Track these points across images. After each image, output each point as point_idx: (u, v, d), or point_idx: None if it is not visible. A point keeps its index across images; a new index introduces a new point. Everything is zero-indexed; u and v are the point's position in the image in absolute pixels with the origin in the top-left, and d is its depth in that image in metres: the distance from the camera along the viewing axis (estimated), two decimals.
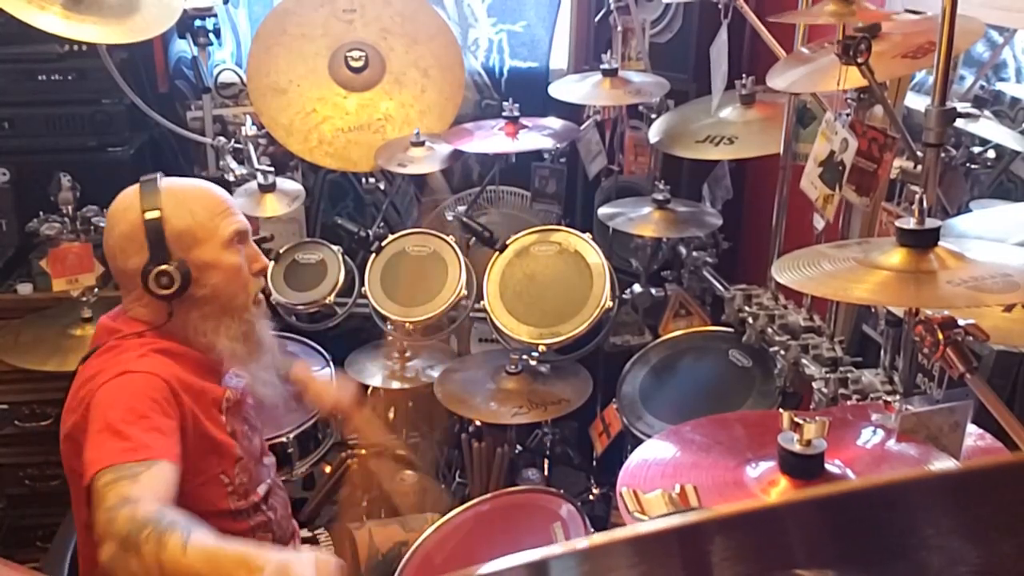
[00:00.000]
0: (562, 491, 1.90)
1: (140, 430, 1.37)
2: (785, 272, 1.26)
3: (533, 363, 2.30)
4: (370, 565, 1.92)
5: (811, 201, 1.79)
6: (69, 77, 2.62)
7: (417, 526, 2.01)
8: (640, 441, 1.79)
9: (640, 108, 2.58)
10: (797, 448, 1.22)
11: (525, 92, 2.82)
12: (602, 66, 2.43)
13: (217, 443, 1.55)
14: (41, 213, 2.33)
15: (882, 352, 1.68)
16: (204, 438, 1.52)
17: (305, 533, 1.90)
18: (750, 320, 2.01)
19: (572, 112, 2.68)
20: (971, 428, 1.36)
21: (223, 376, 1.65)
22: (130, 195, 1.56)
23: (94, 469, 1.32)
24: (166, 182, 1.58)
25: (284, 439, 2.06)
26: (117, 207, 1.57)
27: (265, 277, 1.71)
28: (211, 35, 2.73)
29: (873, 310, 1.84)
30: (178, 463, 1.38)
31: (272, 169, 2.46)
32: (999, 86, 1.89)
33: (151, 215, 1.52)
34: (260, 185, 2.41)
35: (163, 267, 1.51)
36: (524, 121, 2.51)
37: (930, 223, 1.21)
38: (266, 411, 1.80)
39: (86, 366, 1.55)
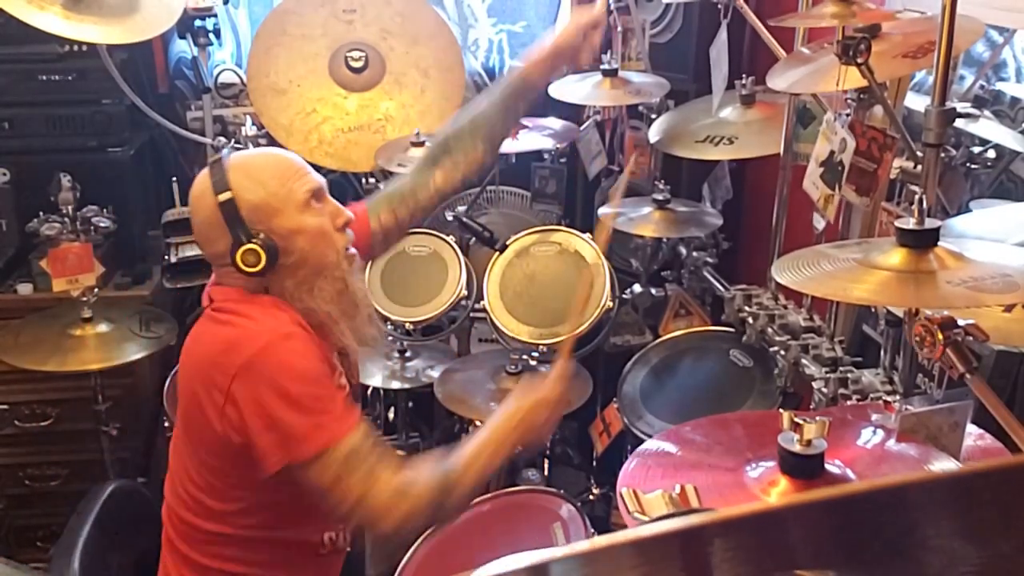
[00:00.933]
0: (562, 491, 1.90)
1: (334, 399, 1.47)
2: (785, 272, 1.26)
3: (533, 363, 2.30)
4: (375, 543, 1.92)
5: (811, 201, 1.79)
6: (69, 77, 2.62)
7: None
8: (640, 441, 1.79)
9: (640, 108, 2.58)
10: (797, 448, 1.22)
11: None
12: (602, 66, 2.43)
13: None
14: (41, 213, 2.33)
15: (882, 352, 1.68)
16: None
17: None
18: (750, 320, 2.01)
19: (572, 112, 2.68)
20: (971, 428, 1.37)
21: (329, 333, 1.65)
22: (202, 179, 1.56)
23: (290, 459, 1.42)
24: (233, 158, 1.58)
25: None
26: (193, 194, 1.57)
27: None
28: (211, 35, 2.73)
29: (873, 310, 1.84)
30: (353, 429, 1.47)
31: None
32: (999, 86, 1.89)
33: (224, 196, 1.51)
34: None
35: (247, 246, 1.50)
36: (524, 121, 2.51)
37: (930, 223, 1.21)
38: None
39: (206, 325, 1.56)
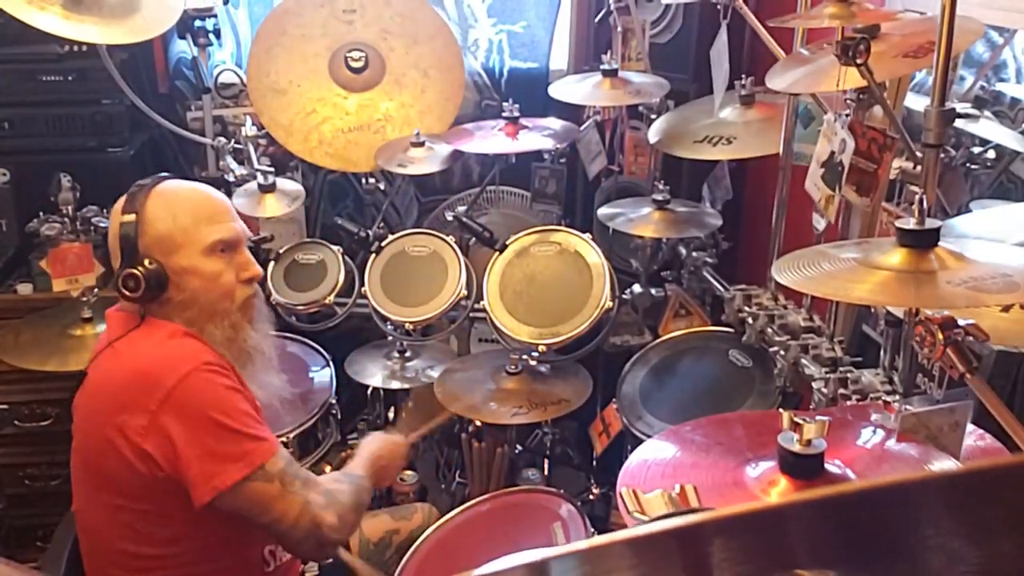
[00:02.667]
0: (562, 491, 1.90)
1: (242, 435, 1.47)
2: (785, 272, 1.26)
3: (533, 363, 2.30)
4: (362, 555, 1.93)
5: (811, 201, 1.79)
6: (69, 77, 2.62)
7: (407, 515, 2.02)
8: (640, 441, 1.79)
9: (640, 108, 2.58)
10: (797, 448, 1.22)
11: (525, 92, 2.83)
12: (602, 66, 2.43)
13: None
14: (41, 213, 2.33)
15: (882, 352, 1.68)
16: None
17: None
18: (750, 320, 2.01)
19: (572, 112, 2.68)
20: (971, 428, 1.37)
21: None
22: (119, 200, 1.58)
23: (220, 484, 1.43)
24: (162, 185, 1.58)
25: (284, 439, 2.06)
26: (113, 211, 1.59)
27: (262, 283, 1.70)
28: (211, 35, 2.73)
29: (873, 310, 1.84)
30: (274, 447, 1.51)
31: (272, 169, 2.46)
32: (999, 86, 1.89)
33: (126, 219, 1.53)
34: (260, 185, 2.41)
35: (129, 270, 1.51)
36: (524, 121, 2.51)
37: (930, 223, 1.21)
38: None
39: (110, 363, 1.53)
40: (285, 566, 1.68)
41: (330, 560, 1.86)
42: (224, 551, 1.55)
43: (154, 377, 1.45)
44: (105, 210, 2.40)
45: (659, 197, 2.33)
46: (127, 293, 1.51)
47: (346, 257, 2.46)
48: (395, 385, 2.48)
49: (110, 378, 1.51)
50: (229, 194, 2.47)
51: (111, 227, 1.57)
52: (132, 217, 1.53)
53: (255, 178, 2.44)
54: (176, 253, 1.54)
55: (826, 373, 1.75)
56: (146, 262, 1.51)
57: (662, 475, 1.33)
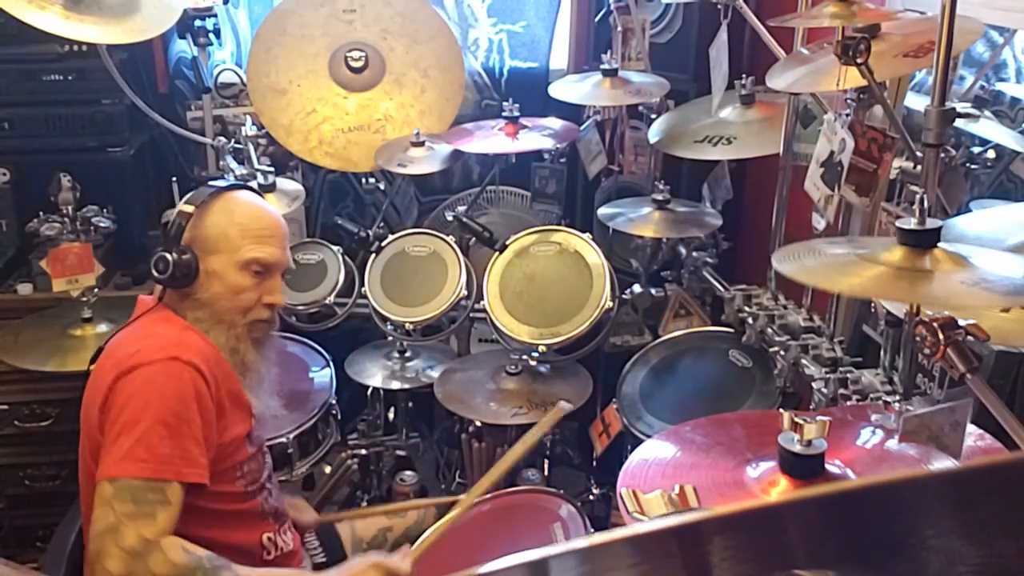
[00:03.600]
0: (562, 491, 1.90)
1: (178, 439, 1.44)
2: (785, 262, 1.26)
3: (533, 363, 2.30)
4: (355, 555, 1.92)
5: (811, 201, 1.79)
6: (69, 77, 2.62)
7: (400, 513, 2.02)
8: (640, 441, 1.79)
9: (640, 108, 2.58)
10: (797, 448, 1.23)
11: (525, 92, 2.82)
12: (602, 66, 2.43)
13: (238, 438, 1.60)
14: (41, 213, 2.33)
15: (882, 352, 1.68)
16: (229, 434, 1.57)
17: None
18: (750, 320, 2.01)
19: (572, 112, 2.68)
20: (971, 428, 1.36)
21: None
22: (197, 190, 1.67)
23: (117, 470, 1.41)
24: (235, 193, 1.66)
25: (284, 439, 2.06)
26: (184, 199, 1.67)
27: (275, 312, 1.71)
28: (211, 35, 2.73)
29: (873, 310, 1.84)
30: (198, 479, 1.46)
31: (272, 169, 2.46)
32: (999, 86, 1.89)
33: (186, 208, 1.61)
34: (260, 185, 2.41)
35: (164, 252, 1.58)
36: (524, 121, 2.51)
37: (930, 223, 1.21)
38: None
39: (123, 333, 1.61)
40: (285, 556, 1.70)
41: (325, 559, 1.86)
42: (219, 536, 1.55)
43: (133, 354, 1.49)
44: (105, 210, 2.40)
45: (659, 197, 2.33)
46: (155, 273, 1.58)
47: (346, 257, 2.46)
48: (395, 385, 2.48)
49: (108, 356, 1.56)
50: None
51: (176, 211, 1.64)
52: (191, 208, 1.61)
53: (255, 178, 2.44)
54: (213, 255, 1.61)
55: (826, 373, 1.75)
56: (183, 252, 1.58)
57: (662, 475, 1.33)
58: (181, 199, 1.66)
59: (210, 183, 1.68)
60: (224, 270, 1.60)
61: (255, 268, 1.62)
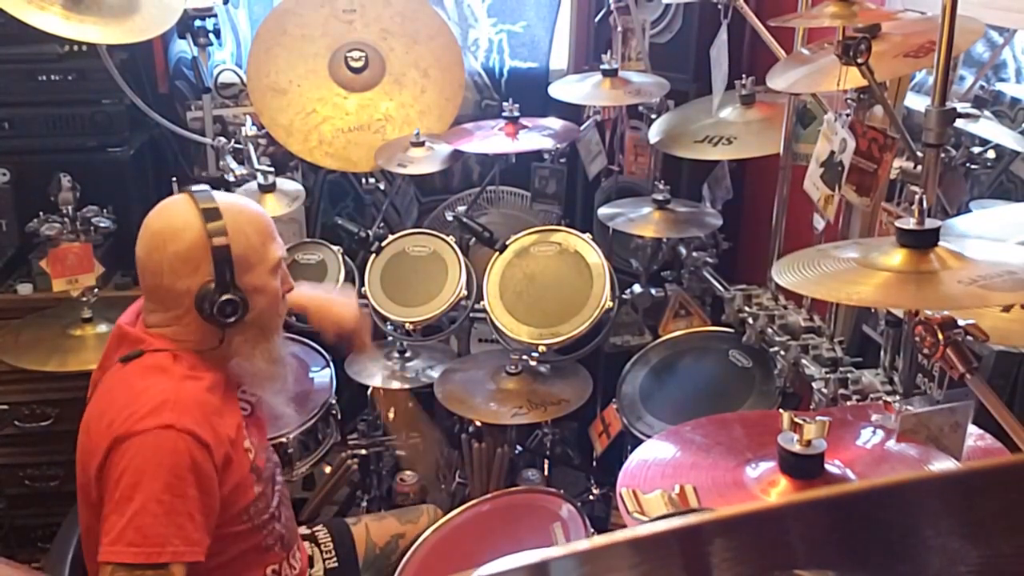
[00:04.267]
0: (562, 491, 1.90)
1: (172, 518, 1.35)
2: (785, 274, 1.26)
3: (533, 363, 2.30)
4: (368, 559, 1.93)
5: (811, 201, 1.79)
6: (69, 77, 2.61)
7: (413, 518, 2.02)
8: (640, 441, 1.79)
9: (640, 108, 2.58)
10: (797, 448, 1.22)
11: (525, 92, 2.82)
12: (602, 66, 2.43)
13: (243, 479, 1.52)
14: (41, 213, 2.33)
15: (882, 352, 1.68)
16: (231, 483, 1.49)
17: (303, 531, 1.91)
18: (750, 320, 2.01)
19: (572, 112, 2.68)
20: (971, 428, 1.36)
21: (237, 391, 1.63)
22: (184, 210, 1.50)
23: (112, 556, 1.33)
24: (221, 199, 1.53)
25: (284, 439, 2.06)
26: (172, 223, 1.50)
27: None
28: (211, 35, 2.73)
29: (873, 310, 1.84)
30: (194, 557, 1.37)
31: (272, 169, 2.46)
32: (999, 86, 1.89)
33: (220, 240, 1.48)
34: (260, 185, 2.41)
35: (230, 296, 1.48)
36: (524, 121, 2.51)
37: (930, 223, 1.21)
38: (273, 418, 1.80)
39: (118, 378, 1.49)
40: None
41: (336, 565, 1.86)
42: (225, 574, 1.52)
43: (127, 417, 1.39)
44: (105, 210, 2.40)
45: (659, 197, 2.33)
46: (223, 319, 1.49)
47: (346, 257, 2.46)
48: (395, 385, 2.48)
49: (103, 405, 1.47)
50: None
51: (177, 245, 1.48)
52: (224, 240, 1.48)
53: (255, 178, 2.44)
54: (249, 273, 1.52)
55: (826, 373, 1.75)
56: (237, 286, 1.49)
57: (662, 475, 1.33)
58: (160, 219, 1.51)
59: (195, 196, 1.52)
60: (263, 282, 1.54)
61: (280, 266, 1.59)
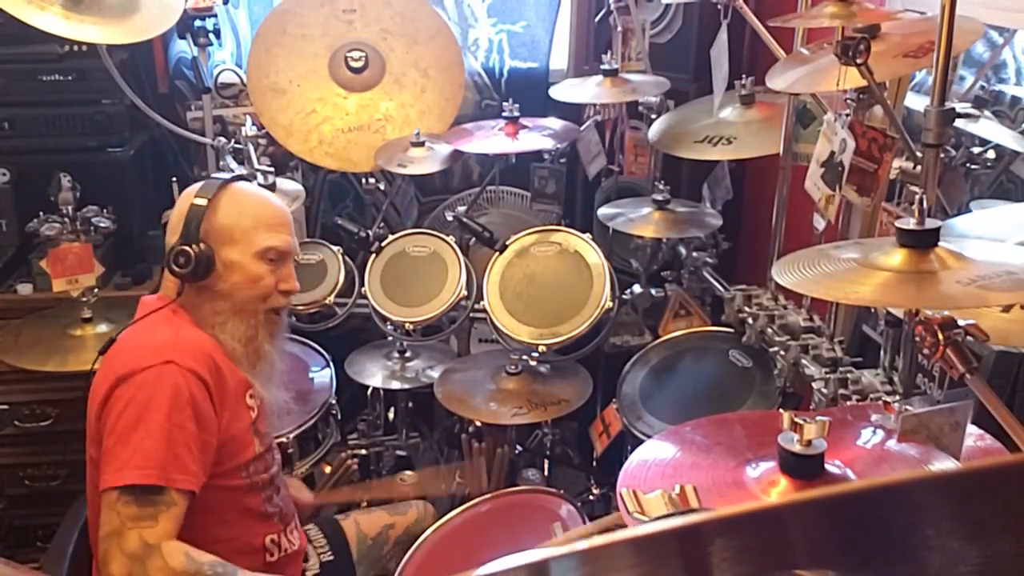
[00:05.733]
0: (562, 491, 1.90)
1: (171, 446, 1.43)
2: (785, 274, 1.26)
3: (533, 363, 2.30)
4: (361, 551, 1.93)
5: (811, 201, 1.79)
6: (69, 77, 2.61)
7: (402, 510, 2.02)
8: (640, 441, 1.79)
9: (640, 108, 2.58)
10: (797, 448, 1.22)
11: (525, 92, 2.82)
12: (602, 66, 2.43)
13: (242, 434, 1.61)
14: (41, 213, 2.33)
15: (882, 352, 1.68)
16: (230, 432, 1.57)
17: None
18: (750, 320, 2.01)
19: (572, 112, 2.68)
20: (971, 428, 1.36)
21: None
22: (195, 185, 1.67)
23: (118, 480, 1.41)
24: (239, 184, 1.69)
25: (284, 439, 2.06)
26: (185, 193, 1.67)
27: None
28: (211, 35, 2.72)
29: (873, 310, 1.84)
30: (185, 485, 1.45)
31: (272, 169, 2.45)
32: (999, 86, 1.89)
33: (199, 201, 1.62)
34: (260, 185, 2.40)
35: (183, 246, 1.58)
36: (524, 121, 2.51)
37: (930, 223, 1.21)
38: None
39: (125, 335, 1.60)
40: (289, 557, 1.70)
41: (332, 558, 1.87)
42: (222, 536, 1.56)
43: (129, 359, 1.50)
44: (105, 210, 2.40)
45: (659, 197, 2.33)
46: (175, 267, 1.58)
47: (346, 257, 2.46)
48: (395, 385, 2.48)
49: (108, 360, 1.56)
50: None
51: (179, 206, 1.64)
52: (204, 202, 1.62)
53: (255, 178, 2.43)
54: (229, 246, 1.62)
55: (826, 373, 1.75)
56: (201, 245, 1.58)
57: (662, 475, 1.33)
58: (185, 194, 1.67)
59: (214, 176, 1.71)
60: (242, 260, 1.62)
61: (270, 256, 1.64)
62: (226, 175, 1.71)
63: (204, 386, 1.51)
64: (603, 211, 2.41)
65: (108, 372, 1.51)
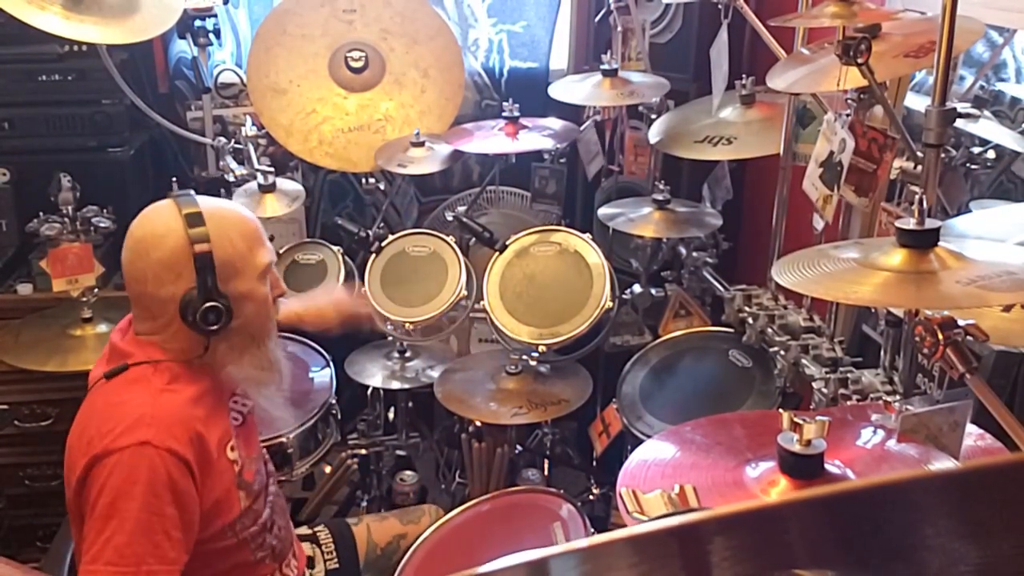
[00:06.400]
0: (562, 491, 1.90)
1: (149, 535, 1.34)
2: (785, 274, 1.26)
3: (533, 363, 2.30)
4: (368, 559, 1.93)
5: (811, 201, 1.79)
6: (69, 77, 2.61)
7: (414, 518, 2.02)
8: (640, 441, 1.79)
9: (640, 108, 2.58)
10: (797, 448, 1.22)
11: (525, 92, 2.82)
12: (602, 66, 2.43)
13: (225, 494, 1.51)
14: (41, 213, 2.32)
15: (882, 352, 1.68)
16: (212, 497, 1.47)
17: (304, 531, 1.91)
18: (750, 320, 2.01)
19: (572, 112, 2.68)
20: (971, 428, 1.37)
21: (228, 400, 1.60)
22: (167, 217, 1.48)
23: (92, 573, 1.32)
24: (205, 204, 1.50)
25: (284, 439, 2.06)
26: (154, 230, 1.48)
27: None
28: (211, 35, 2.73)
29: (873, 310, 1.84)
30: (181, 566, 1.37)
31: (272, 169, 2.46)
32: (999, 86, 1.89)
33: (201, 247, 1.45)
34: (260, 185, 2.41)
35: (214, 303, 1.46)
36: (524, 121, 2.51)
37: (930, 223, 1.21)
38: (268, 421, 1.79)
39: (101, 393, 1.48)
40: None
41: (337, 566, 1.86)
42: None
43: (105, 433, 1.38)
44: (105, 210, 2.40)
45: (659, 197, 2.33)
46: (207, 327, 1.46)
47: (346, 257, 2.46)
48: (395, 385, 2.48)
49: (88, 415, 1.46)
50: (229, 194, 2.48)
51: (159, 252, 1.47)
52: (206, 246, 1.45)
53: (255, 178, 2.44)
54: (235, 279, 1.49)
55: (826, 373, 1.75)
56: (221, 293, 1.46)
57: (662, 475, 1.33)
58: (141, 226, 1.50)
59: (178, 201, 1.50)
60: (250, 288, 1.51)
61: (268, 271, 1.55)
62: (183, 198, 1.51)
63: (183, 465, 1.39)
64: (603, 211, 2.41)
65: (82, 439, 1.41)
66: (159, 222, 1.49)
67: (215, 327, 1.46)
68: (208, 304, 1.45)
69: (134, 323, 1.55)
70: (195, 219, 1.47)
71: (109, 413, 1.42)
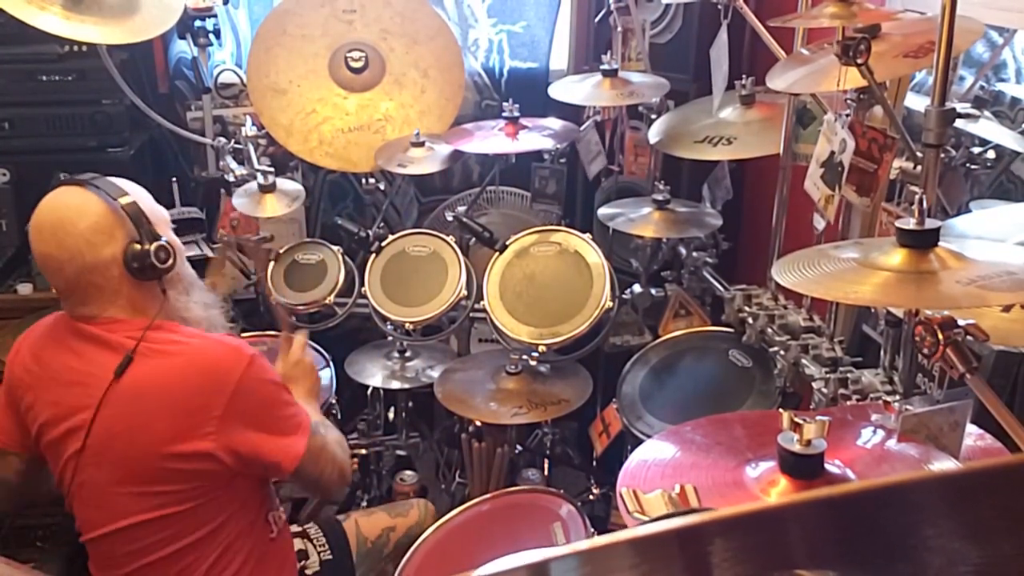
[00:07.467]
0: (562, 491, 1.90)
1: (287, 395, 1.60)
2: (785, 274, 1.26)
3: (533, 363, 2.30)
4: (360, 553, 1.93)
5: (811, 201, 1.79)
6: (69, 77, 2.61)
7: (403, 511, 2.02)
8: (640, 441, 1.79)
9: (640, 108, 2.58)
10: (797, 448, 1.22)
11: (525, 93, 2.82)
12: (602, 67, 2.43)
13: None
14: None
15: (882, 352, 1.68)
16: None
17: (294, 528, 1.91)
18: (750, 320, 2.01)
19: (572, 112, 2.68)
20: (971, 428, 1.37)
21: None
22: (71, 193, 1.51)
23: (304, 439, 1.56)
24: (93, 176, 1.55)
25: None
26: (67, 205, 1.49)
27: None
28: (211, 35, 2.73)
29: (873, 310, 1.84)
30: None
31: (272, 169, 2.46)
32: (999, 86, 1.90)
33: (126, 199, 1.51)
34: (260, 185, 2.41)
35: (160, 243, 1.51)
36: (524, 122, 2.51)
37: (930, 223, 1.21)
38: None
39: (153, 363, 1.49)
40: (283, 532, 1.74)
41: (331, 556, 1.87)
42: (238, 521, 1.59)
43: (211, 383, 1.48)
44: None
45: (659, 197, 2.33)
46: (160, 264, 1.50)
47: (346, 257, 2.46)
48: (395, 385, 2.48)
49: (170, 377, 1.48)
50: (229, 194, 2.48)
51: (87, 219, 1.48)
52: (130, 199, 1.52)
53: (255, 178, 2.44)
54: (159, 226, 1.56)
55: (826, 373, 1.75)
56: (157, 236, 1.52)
57: (662, 475, 1.33)
58: (48, 211, 1.51)
59: (70, 181, 1.55)
60: (169, 235, 1.58)
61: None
62: (70, 178, 1.55)
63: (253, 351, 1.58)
64: (603, 211, 2.40)
65: (189, 401, 1.47)
66: (68, 199, 1.51)
67: (167, 264, 1.51)
68: (156, 244, 1.50)
69: (82, 310, 1.53)
70: (100, 184, 1.52)
71: (197, 363, 1.49)
